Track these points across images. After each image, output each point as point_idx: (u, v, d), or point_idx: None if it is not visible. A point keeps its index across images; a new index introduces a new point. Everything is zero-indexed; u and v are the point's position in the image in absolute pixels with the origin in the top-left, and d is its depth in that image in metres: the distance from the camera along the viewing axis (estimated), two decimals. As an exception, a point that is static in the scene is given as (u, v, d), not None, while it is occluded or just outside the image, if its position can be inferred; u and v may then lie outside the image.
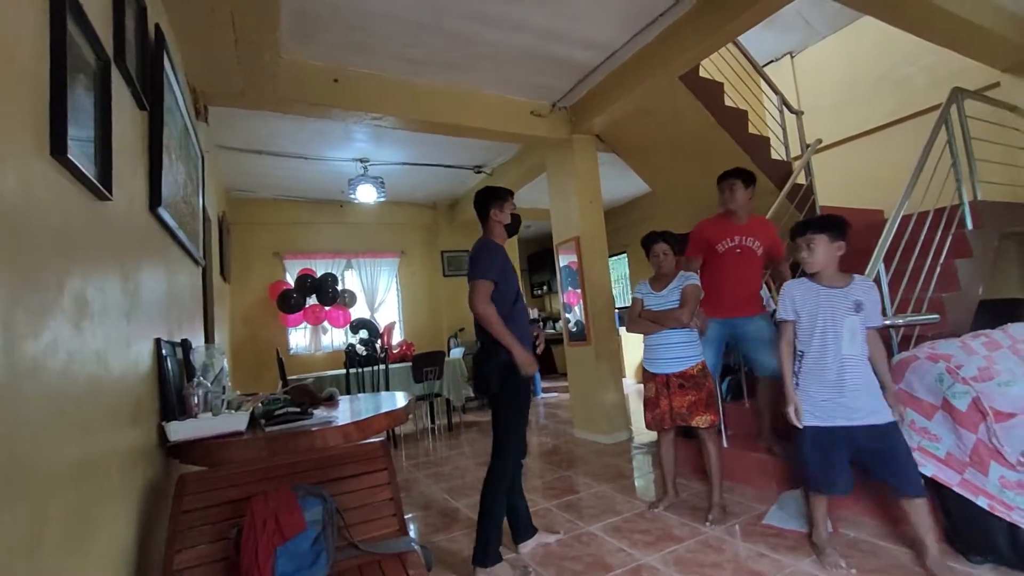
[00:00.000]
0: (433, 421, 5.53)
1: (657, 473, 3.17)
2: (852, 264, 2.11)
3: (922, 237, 2.76)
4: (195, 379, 1.64)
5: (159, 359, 1.57)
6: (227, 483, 1.50)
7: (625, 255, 8.11)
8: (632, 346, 7.19)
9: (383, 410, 1.83)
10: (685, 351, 2.49)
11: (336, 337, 6.40)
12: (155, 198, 1.62)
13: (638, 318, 2.60)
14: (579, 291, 4.40)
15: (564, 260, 4.61)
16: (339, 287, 6.23)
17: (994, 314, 2.84)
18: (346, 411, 1.94)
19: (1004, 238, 3.42)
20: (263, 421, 1.72)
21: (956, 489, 1.85)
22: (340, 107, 3.46)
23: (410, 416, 2.25)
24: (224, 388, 1.81)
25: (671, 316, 2.46)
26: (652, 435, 3.95)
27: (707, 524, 2.35)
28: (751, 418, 3.13)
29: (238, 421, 1.58)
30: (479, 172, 5.90)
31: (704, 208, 4.52)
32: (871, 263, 2.41)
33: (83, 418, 0.99)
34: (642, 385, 2.62)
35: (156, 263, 1.69)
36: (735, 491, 2.72)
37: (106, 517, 1.09)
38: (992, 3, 3.25)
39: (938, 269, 2.72)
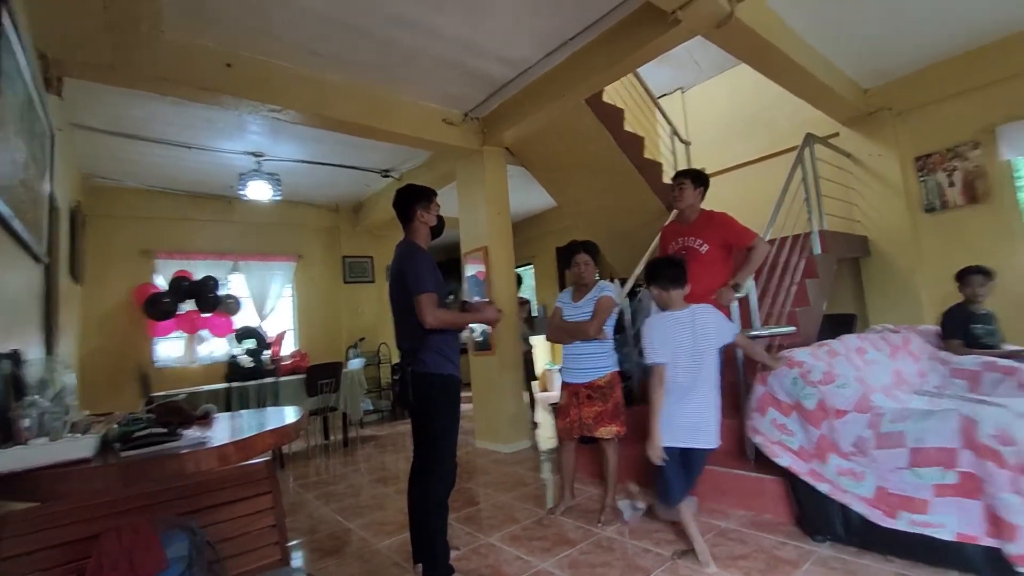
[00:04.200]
0: (327, 437, 5.19)
1: (556, 478, 3.26)
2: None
3: (783, 259, 3.19)
4: (26, 398, 1.37)
5: (-24, 374, 1.29)
6: (66, 520, 1.27)
7: (531, 266, 8.31)
8: (544, 353, 7.36)
9: (268, 427, 1.66)
10: (595, 362, 2.56)
11: (217, 347, 5.77)
12: (-21, 179, 1.34)
13: (556, 328, 2.66)
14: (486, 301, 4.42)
15: (471, 270, 4.62)
16: (221, 292, 5.63)
17: (834, 326, 3.40)
18: (225, 430, 1.74)
19: (840, 262, 4.06)
20: (118, 445, 1.48)
21: (804, 478, 2.13)
22: (232, 94, 3.15)
23: (301, 433, 2.09)
24: (68, 408, 1.53)
25: (579, 328, 2.54)
26: (552, 441, 4.07)
27: (599, 525, 2.46)
28: (643, 422, 3.35)
29: (83, 447, 1.34)
30: (387, 176, 5.72)
31: (605, 225, 4.84)
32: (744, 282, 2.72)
33: None
34: (548, 392, 2.68)
35: (-23, 257, 1.39)
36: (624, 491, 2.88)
37: None
38: (834, 66, 3.87)
39: (794, 287, 3.16)
